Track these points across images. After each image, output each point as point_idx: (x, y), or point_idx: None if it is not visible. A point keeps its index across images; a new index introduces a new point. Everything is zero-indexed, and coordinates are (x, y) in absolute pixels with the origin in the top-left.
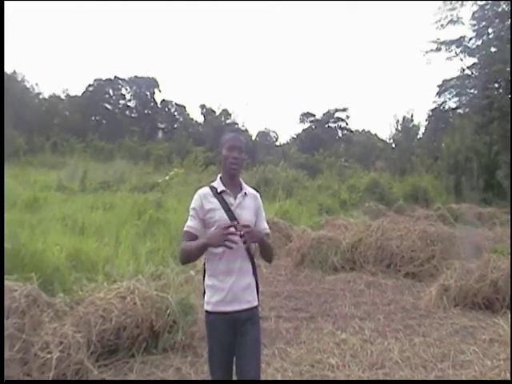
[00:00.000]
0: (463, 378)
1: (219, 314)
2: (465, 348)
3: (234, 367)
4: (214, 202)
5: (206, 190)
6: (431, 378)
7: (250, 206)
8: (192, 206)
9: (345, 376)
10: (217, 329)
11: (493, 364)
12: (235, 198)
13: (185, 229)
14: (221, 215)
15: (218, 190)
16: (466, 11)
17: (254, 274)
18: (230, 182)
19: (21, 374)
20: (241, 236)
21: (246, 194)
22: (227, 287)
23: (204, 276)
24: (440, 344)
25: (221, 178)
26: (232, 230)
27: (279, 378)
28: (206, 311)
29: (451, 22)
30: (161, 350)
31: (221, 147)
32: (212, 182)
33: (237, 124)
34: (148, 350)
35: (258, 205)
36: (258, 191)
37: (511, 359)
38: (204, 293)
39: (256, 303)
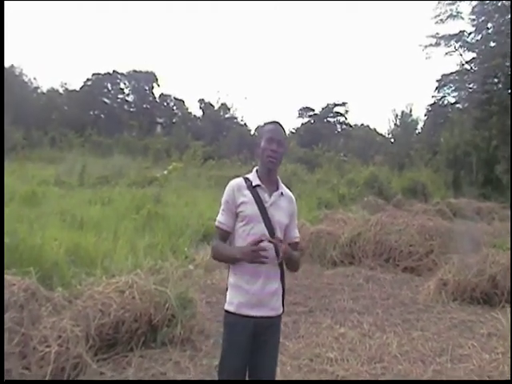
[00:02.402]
0: (461, 372)
1: (241, 316)
2: (463, 342)
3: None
4: (248, 196)
5: (239, 181)
6: (429, 371)
7: (284, 207)
8: (224, 198)
9: (343, 370)
10: (235, 331)
11: (491, 358)
12: (270, 196)
13: (216, 224)
14: (253, 210)
15: (253, 184)
16: (466, 6)
17: (282, 279)
18: (266, 178)
19: (19, 367)
20: (276, 250)
21: (282, 194)
22: (252, 290)
23: (228, 272)
24: (438, 338)
25: (257, 171)
26: (263, 245)
27: (278, 372)
28: (227, 311)
29: (451, 16)
30: (159, 344)
31: (259, 138)
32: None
33: (236, 118)
34: (146, 344)
35: (293, 208)
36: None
37: (511, 354)
38: (226, 289)
39: (281, 311)
